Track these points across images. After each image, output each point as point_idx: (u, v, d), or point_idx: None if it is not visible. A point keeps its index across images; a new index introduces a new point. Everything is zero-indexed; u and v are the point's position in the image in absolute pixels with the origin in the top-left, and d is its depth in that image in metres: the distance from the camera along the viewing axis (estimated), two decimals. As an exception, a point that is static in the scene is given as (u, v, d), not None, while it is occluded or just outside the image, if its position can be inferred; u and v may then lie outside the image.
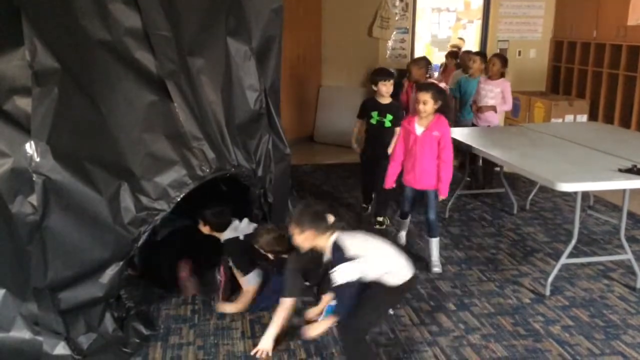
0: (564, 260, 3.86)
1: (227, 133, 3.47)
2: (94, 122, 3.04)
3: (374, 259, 2.71)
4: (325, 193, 5.87)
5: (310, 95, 8.12)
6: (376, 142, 4.79)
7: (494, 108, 5.59)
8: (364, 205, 5.24)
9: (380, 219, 4.91)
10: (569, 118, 7.42)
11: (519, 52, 8.24)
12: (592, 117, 7.53)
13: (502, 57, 5.81)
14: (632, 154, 4.04)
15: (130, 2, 3.22)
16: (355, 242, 2.72)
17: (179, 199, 3.19)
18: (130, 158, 3.11)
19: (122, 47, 3.19)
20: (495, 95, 5.59)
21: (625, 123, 6.99)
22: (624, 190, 3.86)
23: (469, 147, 4.54)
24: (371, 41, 7.77)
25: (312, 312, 3.34)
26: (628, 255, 3.92)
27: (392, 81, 4.75)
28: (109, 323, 3.07)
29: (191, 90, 3.34)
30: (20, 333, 2.94)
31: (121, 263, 3.05)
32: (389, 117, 4.73)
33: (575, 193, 3.78)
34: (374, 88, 4.79)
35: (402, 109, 5.02)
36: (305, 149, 7.71)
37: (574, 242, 3.84)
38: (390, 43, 7.85)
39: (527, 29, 8.27)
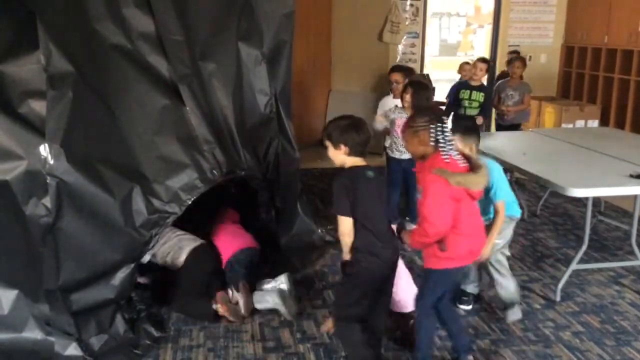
0: (574, 266, 3.84)
1: (237, 137, 3.50)
2: (107, 125, 3.08)
3: None
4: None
5: (320, 100, 8.13)
6: None
7: None
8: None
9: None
10: (580, 123, 7.39)
11: (530, 57, 8.21)
12: (604, 122, 7.50)
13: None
14: (643, 159, 4.02)
15: (144, 7, 3.26)
16: None
17: (190, 202, 3.22)
18: (142, 161, 3.14)
19: (135, 51, 3.23)
20: None
21: (637, 128, 6.95)
22: (635, 196, 3.84)
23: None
24: (381, 46, 7.78)
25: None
26: (639, 262, 3.90)
27: None
28: (120, 325, 3.09)
29: (203, 94, 3.37)
30: (33, 334, 2.97)
31: (132, 265, 3.08)
32: None
33: (586, 198, 3.77)
34: None
35: None
36: (315, 153, 7.71)
37: (584, 247, 3.83)
38: (400, 47, 7.86)
39: (538, 34, 8.26)
